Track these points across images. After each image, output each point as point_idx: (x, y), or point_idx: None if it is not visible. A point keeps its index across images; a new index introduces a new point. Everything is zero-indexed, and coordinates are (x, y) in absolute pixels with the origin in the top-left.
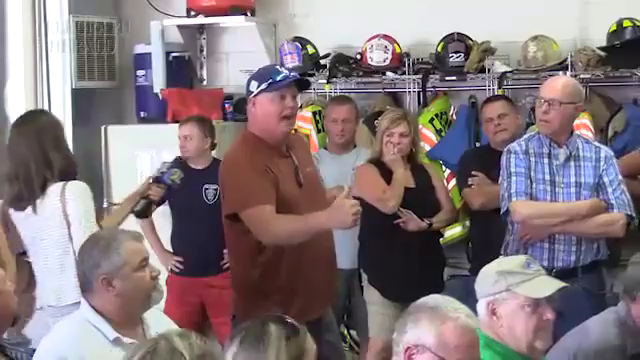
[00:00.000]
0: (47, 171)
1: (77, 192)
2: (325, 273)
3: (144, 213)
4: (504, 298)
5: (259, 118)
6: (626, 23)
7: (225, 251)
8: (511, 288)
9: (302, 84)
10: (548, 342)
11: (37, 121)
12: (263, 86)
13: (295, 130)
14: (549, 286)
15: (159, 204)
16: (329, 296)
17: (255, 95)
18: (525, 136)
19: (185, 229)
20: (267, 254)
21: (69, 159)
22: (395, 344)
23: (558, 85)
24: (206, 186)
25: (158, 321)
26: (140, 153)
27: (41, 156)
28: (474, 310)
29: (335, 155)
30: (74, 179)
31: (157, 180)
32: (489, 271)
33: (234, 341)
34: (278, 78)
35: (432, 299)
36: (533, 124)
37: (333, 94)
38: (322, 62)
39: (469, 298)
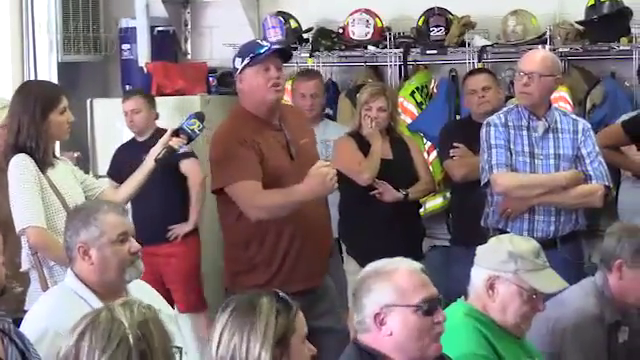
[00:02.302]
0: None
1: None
2: (314, 244)
3: (166, 161)
4: (508, 279)
5: (247, 93)
6: None
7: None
8: (519, 273)
9: (285, 55)
10: (529, 327)
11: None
12: (246, 61)
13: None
14: (555, 283)
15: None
16: (319, 268)
17: (240, 71)
18: (504, 109)
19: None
20: (251, 224)
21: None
22: (359, 324)
23: (537, 58)
24: (145, 156)
25: (143, 293)
26: (125, 126)
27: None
28: (454, 278)
29: None
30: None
31: (177, 131)
32: (500, 247)
33: (225, 311)
34: (260, 51)
35: (368, 268)
36: (512, 97)
37: (316, 67)
38: (305, 36)
39: (449, 268)
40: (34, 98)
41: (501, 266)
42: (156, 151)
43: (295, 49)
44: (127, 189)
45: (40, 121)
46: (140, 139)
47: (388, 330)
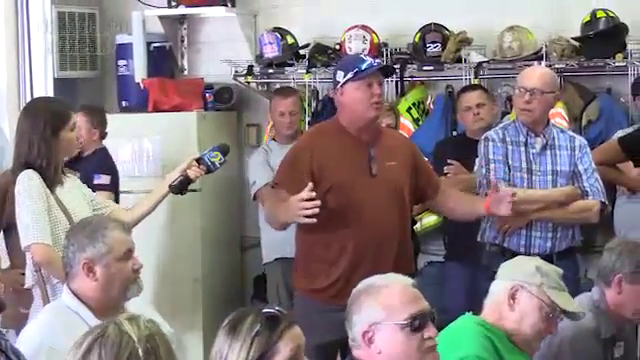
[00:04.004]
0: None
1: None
2: (376, 257)
3: (179, 189)
4: (531, 291)
5: (347, 106)
6: (599, 14)
7: None
8: (543, 287)
9: (387, 71)
10: (539, 349)
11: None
12: (349, 75)
13: None
14: (573, 304)
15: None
16: None
17: (342, 85)
18: (501, 125)
19: None
20: (313, 230)
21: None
22: (353, 341)
23: (538, 74)
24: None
25: (140, 310)
26: (122, 142)
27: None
28: (450, 294)
29: (283, 145)
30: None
31: (199, 160)
32: (528, 262)
33: (222, 325)
34: (363, 67)
35: (362, 284)
36: (509, 113)
37: (313, 83)
38: (301, 52)
39: (445, 283)
40: (44, 116)
41: (527, 277)
42: (172, 177)
43: (292, 65)
44: (138, 212)
45: (51, 139)
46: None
47: (377, 348)
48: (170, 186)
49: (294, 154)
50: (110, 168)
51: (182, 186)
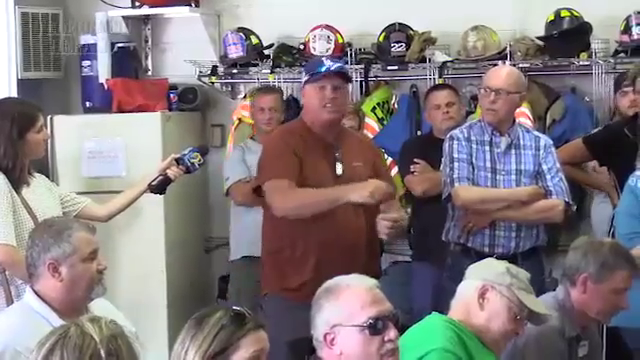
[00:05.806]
0: None
1: None
2: (344, 258)
3: (159, 189)
4: (501, 290)
5: (305, 108)
6: (564, 13)
7: None
8: (512, 288)
9: (346, 76)
10: (505, 349)
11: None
12: (306, 77)
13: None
14: (541, 306)
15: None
16: None
17: (303, 86)
18: (466, 124)
19: None
20: (285, 228)
21: None
22: (316, 342)
23: (504, 75)
24: None
25: (104, 311)
26: (86, 142)
27: None
28: (416, 294)
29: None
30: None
31: (178, 160)
32: (498, 263)
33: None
34: (321, 69)
35: (325, 285)
36: (473, 112)
37: (277, 84)
38: (266, 52)
39: (410, 283)
40: (11, 118)
41: (497, 278)
42: (151, 176)
43: (256, 65)
44: (113, 206)
45: (17, 141)
46: None
47: (338, 350)
48: (150, 185)
49: (277, 148)
50: None
51: (161, 186)
